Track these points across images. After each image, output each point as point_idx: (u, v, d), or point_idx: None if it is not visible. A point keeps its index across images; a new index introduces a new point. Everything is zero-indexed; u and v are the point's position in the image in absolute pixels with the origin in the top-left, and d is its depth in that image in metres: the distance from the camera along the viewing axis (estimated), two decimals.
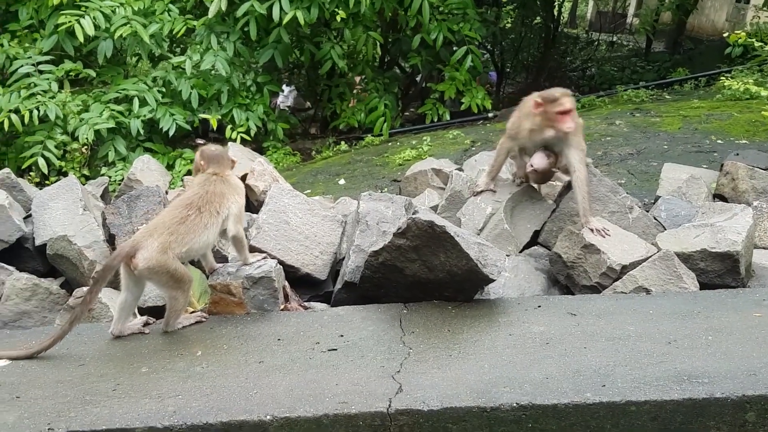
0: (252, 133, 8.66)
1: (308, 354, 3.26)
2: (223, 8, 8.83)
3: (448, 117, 9.99)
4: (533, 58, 14.70)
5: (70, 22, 7.89)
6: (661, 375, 2.90)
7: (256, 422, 2.73)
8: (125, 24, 8.18)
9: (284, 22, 8.57)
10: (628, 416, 2.75)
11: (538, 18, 14.60)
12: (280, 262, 4.00)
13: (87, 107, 8.09)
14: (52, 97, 7.80)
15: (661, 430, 2.76)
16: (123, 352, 3.43)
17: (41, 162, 7.50)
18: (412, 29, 9.74)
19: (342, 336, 3.42)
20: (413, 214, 3.72)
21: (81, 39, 7.95)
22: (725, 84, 8.19)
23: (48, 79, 7.96)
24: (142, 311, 3.81)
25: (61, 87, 8.10)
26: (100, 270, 3.70)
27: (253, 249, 3.99)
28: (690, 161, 6.15)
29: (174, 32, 8.77)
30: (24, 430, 2.73)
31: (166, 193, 4.84)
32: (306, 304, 4.09)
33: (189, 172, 7.76)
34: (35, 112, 7.56)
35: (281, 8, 8.57)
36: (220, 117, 8.65)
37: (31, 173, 7.54)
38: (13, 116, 7.51)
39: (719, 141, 7.08)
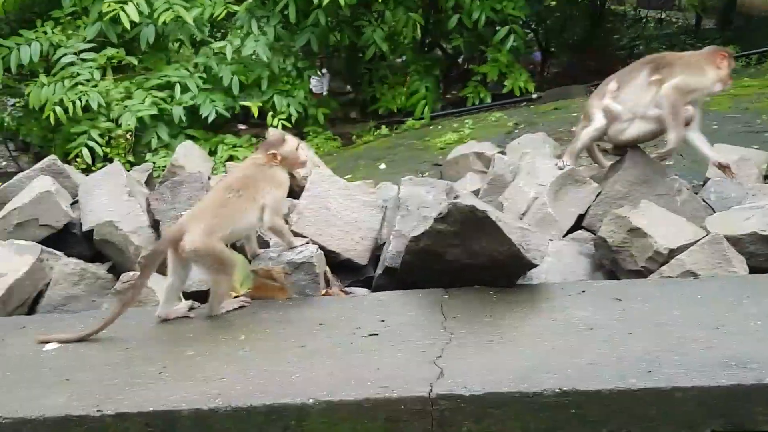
0: (293, 119, 8.67)
1: (349, 339, 3.28)
2: None
3: (489, 100, 9.86)
4: (579, 37, 14.38)
5: (114, 10, 7.99)
6: (708, 361, 2.84)
7: (298, 405, 2.75)
8: (167, 9, 8.25)
9: (324, 3, 8.53)
10: (674, 402, 2.70)
11: None
12: (321, 248, 4.02)
13: (130, 94, 8.19)
14: (95, 86, 7.92)
15: (707, 416, 2.70)
16: (168, 335, 3.50)
17: (85, 152, 7.65)
18: (453, 9, 9.60)
19: (383, 321, 3.43)
20: (454, 198, 3.70)
21: (127, 26, 8.04)
22: None
23: (90, 67, 8.07)
24: (187, 296, 3.87)
25: (104, 74, 8.21)
26: (148, 255, 3.78)
27: (294, 234, 4.01)
28: (740, 142, 5.96)
29: (215, 17, 8.81)
30: (73, 411, 2.80)
31: (209, 178, 4.89)
32: (347, 289, 4.11)
33: (231, 158, 7.82)
34: (78, 102, 7.68)
35: None
36: (260, 104, 8.67)
37: (78, 160, 7.68)
38: (58, 108, 7.66)
39: None
